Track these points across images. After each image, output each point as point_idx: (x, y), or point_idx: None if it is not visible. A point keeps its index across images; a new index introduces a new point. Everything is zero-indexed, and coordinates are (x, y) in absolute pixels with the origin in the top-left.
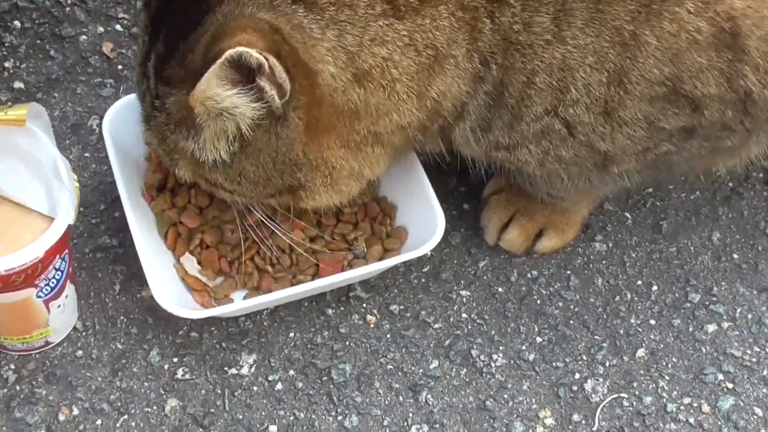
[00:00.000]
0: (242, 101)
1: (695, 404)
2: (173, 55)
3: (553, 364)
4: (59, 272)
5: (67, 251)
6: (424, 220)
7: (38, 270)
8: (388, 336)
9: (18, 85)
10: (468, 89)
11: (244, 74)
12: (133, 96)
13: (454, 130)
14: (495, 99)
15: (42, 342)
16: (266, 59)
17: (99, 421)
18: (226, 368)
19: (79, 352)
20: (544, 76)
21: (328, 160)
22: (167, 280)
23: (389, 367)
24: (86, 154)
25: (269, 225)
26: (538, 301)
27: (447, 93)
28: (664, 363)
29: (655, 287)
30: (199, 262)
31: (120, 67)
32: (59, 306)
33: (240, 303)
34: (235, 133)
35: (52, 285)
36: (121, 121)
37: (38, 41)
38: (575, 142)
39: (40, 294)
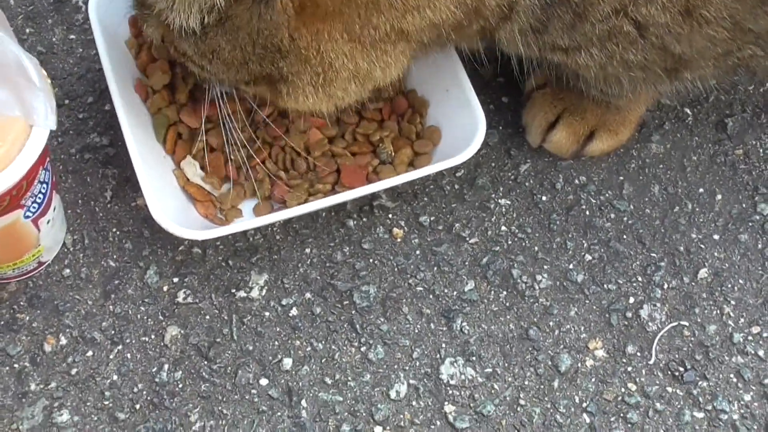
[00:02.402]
0: None
1: (765, 334)
2: None
3: (605, 286)
4: (44, 185)
5: (48, 159)
6: (460, 119)
7: (23, 189)
8: (418, 252)
9: None
10: None
11: None
12: None
13: (498, 32)
14: None
15: (35, 263)
16: None
17: (90, 353)
18: (233, 290)
19: (66, 271)
20: None
21: (325, 54)
22: (165, 190)
23: (419, 289)
24: (71, 36)
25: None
26: (587, 212)
27: None
28: (729, 285)
29: (719, 196)
30: (202, 168)
31: None
32: (48, 221)
33: (250, 221)
34: (211, 1)
35: (39, 201)
36: (109, 0)
37: None
38: (646, 44)
39: (28, 213)
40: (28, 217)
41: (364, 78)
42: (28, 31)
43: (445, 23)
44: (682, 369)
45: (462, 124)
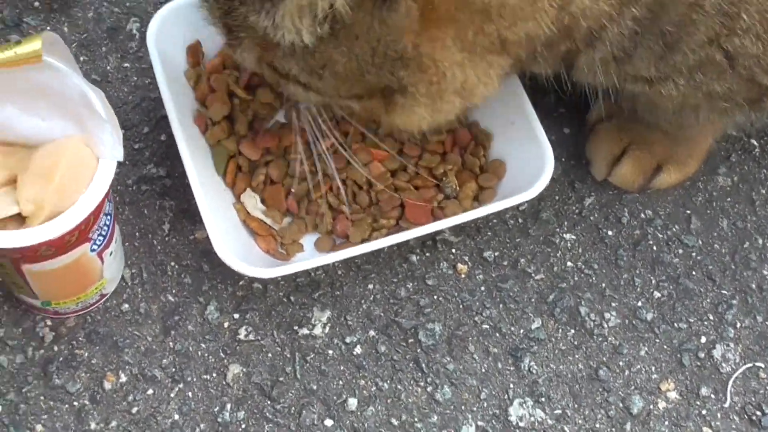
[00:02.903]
0: None
1: None
2: None
3: (675, 324)
4: (108, 216)
5: (110, 189)
6: (526, 152)
7: (91, 222)
8: (483, 289)
9: None
10: (611, 11)
11: None
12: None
13: (579, 58)
14: (646, 25)
15: (97, 296)
16: None
17: (150, 391)
18: (295, 327)
19: (125, 306)
20: None
21: (440, 63)
22: (226, 224)
23: (485, 327)
24: (125, 65)
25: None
26: (654, 248)
27: (587, 11)
28: None
29: None
30: (262, 201)
31: None
32: (111, 253)
33: (315, 259)
34: (326, 11)
35: (104, 233)
36: (168, 29)
37: None
38: (734, 75)
39: (94, 247)
40: (94, 250)
41: (469, 92)
42: (82, 59)
43: (540, 38)
44: (759, 413)
45: (528, 158)
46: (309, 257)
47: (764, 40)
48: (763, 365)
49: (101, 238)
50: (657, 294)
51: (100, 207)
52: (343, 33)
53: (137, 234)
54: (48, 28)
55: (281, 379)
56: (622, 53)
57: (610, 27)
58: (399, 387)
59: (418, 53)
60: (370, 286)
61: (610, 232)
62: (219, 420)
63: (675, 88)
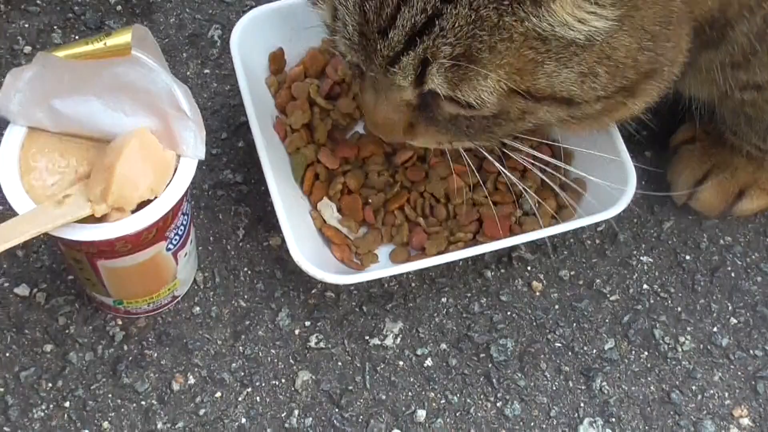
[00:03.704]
0: None
1: None
2: None
3: (751, 352)
4: (186, 217)
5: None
6: (607, 172)
7: (169, 220)
8: (557, 307)
9: None
10: (752, 4)
11: None
12: (265, 6)
13: (701, 56)
14: None
15: (169, 297)
16: None
17: (219, 394)
18: (367, 337)
19: (196, 309)
20: None
21: (679, 35)
22: (303, 231)
23: (557, 345)
24: (206, 71)
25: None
26: (733, 274)
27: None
28: None
29: None
30: (339, 210)
31: None
32: (186, 254)
33: (389, 269)
34: None
35: (180, 233)
36: (251, 36)
37: None
38: None
39: (170, 246)
40: (169, 249)
41: (673, 61)
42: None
43: (705, 14)
44: None
45: (610, 177)
46: (384, 268)
47: None
48: None
49: (177, 237)
50: (733, 320)
51: (179, 205)
52: (636, 13)
53: (211, 238)
54: None
55: (350, 387)
56: (740, 57)
57: (740, 25)
58: (468, 401)
59: (669, 29)
60: (444, 300)
61: (688, 257)
62: (286, 426)
63: None
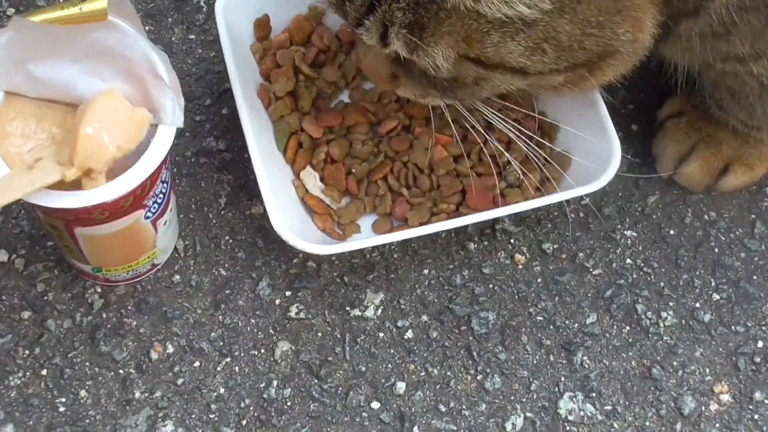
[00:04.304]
0: None
1: None
2: None
3: (732, 327)
4: (165, 185)
5: (169, 157)
6: (593, 145)
7: (146, 188)
8: (539, 281)
9: None
10: None
11: None
12: None
13: (680, 23)
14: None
15: (148, 266)
16: None
17: (197, 363)
18: (347, 308)
19: (176, 278)
20: None
21: (638, 11)
22: (284, 200)
23: (539, 318)
24: (191, 36)
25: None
26: (716, 250)
27: None
28: None
29: None
30: (322, 179)
31: None
32: (165, 222)
33: (371, 239)
34: None
35: (159, 201)
36: (237, 2)
37: None
38: None
39: (149, 214)
40: (148, 218)
41: (642, 45)
42: (147, 29)
43: None
44: None
45: (594, 151)
46: (366, 238)
47: None
48: None
49: (156, 206)
50: (716, 296)
51: (157, 174)
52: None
53: (193, 206)
54: None
55: (330, 358)
56: (720, 27)
57: None
58: (449, 374)
59: (626, 5)
60: (426, 271)
61: (672, 232)
62: (264, 396)
63: (765, 67)
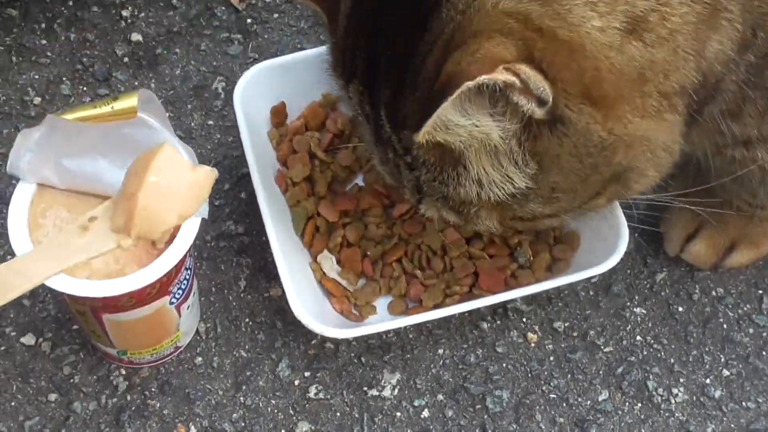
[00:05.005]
0: (487, 124)
1: None
2: (404, 89)
3: (743, 403)
4: (188, 271)
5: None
6: (600, 226)
7: (172, 276)
8: (552, 359)
9: (136, 37)
10: (734, 56)
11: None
12: (268, 61)
13: (704, 113)
14: (756, 75)
15: (172, 348)
16: (516, 74)
17: None
18: (365, 388)
19: (198, 359)
20: None
21: (637, 134)
22: (302, 283)
23: (552, 396)
24: (209, 122)
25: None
26: (725, 326)
27: (719, 55)
28: None
29: None
30: (338, 262)
31: (249, 20)
32: (188, 306)
33: (388, 323)
34: (517, 155)
35: (183, 287)
36: (254, 90)
37: None
38: None
39: (173, 300)
40: (172, 303)
41: (670, 150)
42: (167, 115)
43: (689, 89)
44: None
45: (602, 231)
46: (382, 319)
47: None
48: None
49: (180, 291)
50: (726, 372)
51: (182, 262)
52: (546, 160)
53: (213, 289)
54: (136, 83)
55: None
56: (735, 106)
57: (730, 75)
58: None
59: (616, 136)
60: (440, 351)
61: (680, 308)
62: None
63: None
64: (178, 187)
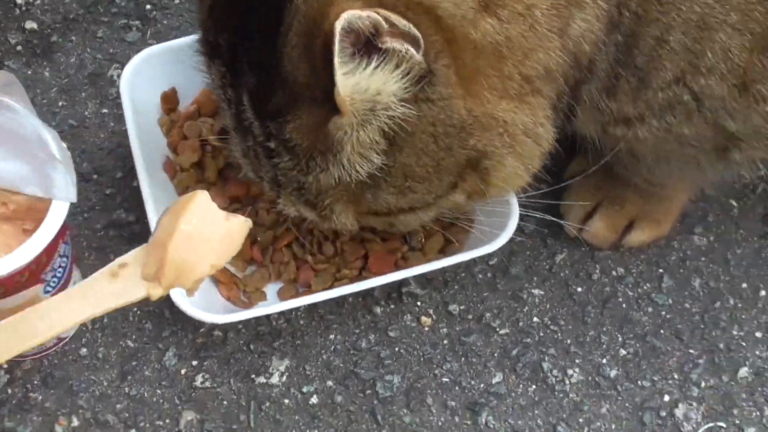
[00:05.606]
0: (385, 76)
1: None
2: (270, 79)
3: (639, 383)
4: (65, 259)
5: (68, 231)
6: (493, 207)
7: (42, 263)
8: (446, 342)
9: (30, 25)
10: (603, 36)
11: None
12: (158, 46)
13: (582, 92)
14: (625, 54)
15: (54, 340)
16: (377, 13)
17: None
18: (253, 376)
19: (83, 351)
20: (678, 34)
21: (495, 115)
22: None
23: (445, 380)
24: (104, 110)
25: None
26: (624, 305)
27: (586, 35)
28: None
29: (763, 292)
30: None
31: (149, 6)
32: None
33: (272, 306)
34: (386, 123)
35: (59, 275)
36: (144, 76)
37: None
38: (700, 118)
39: (48, 288)
40: (48, 292)
41: (534, 134)
42: (60, 104)
43: (558, 72)
44: None
45: (495, 212)
46: (271, 305)
47: (729, 82)
48: (724, 425)
49: (56, 280)
50: (623, 351)
51: (53, 248)
52: (400, 138)
53: None
54: (29, 72)
55: (234, 427)
56: (610, 83)
57: (601, 54)
58: None
59: (474, 116)
60: (332, 337)
61: (579, 289)
62: None
63: (649, 131)
64: (210, 236)
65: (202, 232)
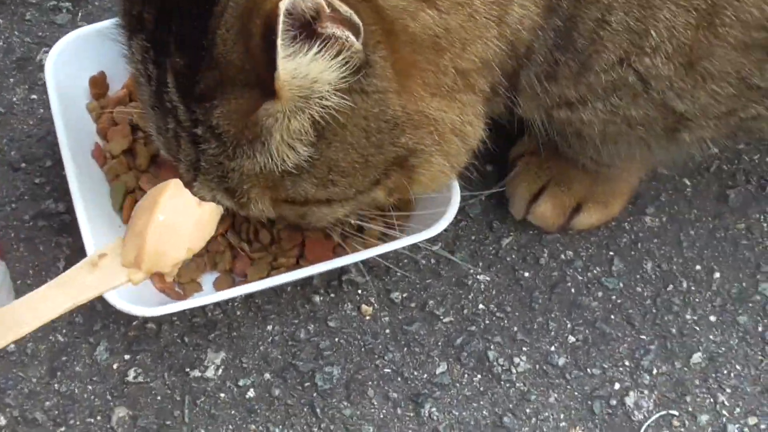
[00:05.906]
0: (325, 63)
1: (763, 425)
2: (198, 61)
3: (588, 370)
4: None
5: None
6: (435, 196)
7: None
8: (387, 331)
9: None
10: (541, 22)
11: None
12: (85, 28)
13: (521, 79)
14: (564, 38)
15: None
16: None
17: None
18: (187, 369)
19: (11, 347)
20: (620, 14)
21: (426, 112)
22: None
23: (386, 371)
24: (33, 96)
25: None
26: (573, 290)
27: (524, 21)
28: (725, 372)
29: (717, 274)
30: None
31: None
32: None
33: (205, 297)
34: (318, 113)
35: None
36: (71, 59)
37: None
38: (648, 99)
39: None
40: None
41: (462, 132)
42: None
43: (495, 63)
44: None
45: (437, 200)
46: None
47: (675, 60)
48: (677, 413)
49: None
50: (571, 338)
51: None
52: (330, 130)
53: (31, 272)
54: None
55: (168, 422)
56: (550, 68)
57: (540, 39)
58: None
59: (407, 113)
60: (269, 327)
61: (526, 274)
62: None
63: (594, 114)
64: (185, 223)
65: (176, 220)
